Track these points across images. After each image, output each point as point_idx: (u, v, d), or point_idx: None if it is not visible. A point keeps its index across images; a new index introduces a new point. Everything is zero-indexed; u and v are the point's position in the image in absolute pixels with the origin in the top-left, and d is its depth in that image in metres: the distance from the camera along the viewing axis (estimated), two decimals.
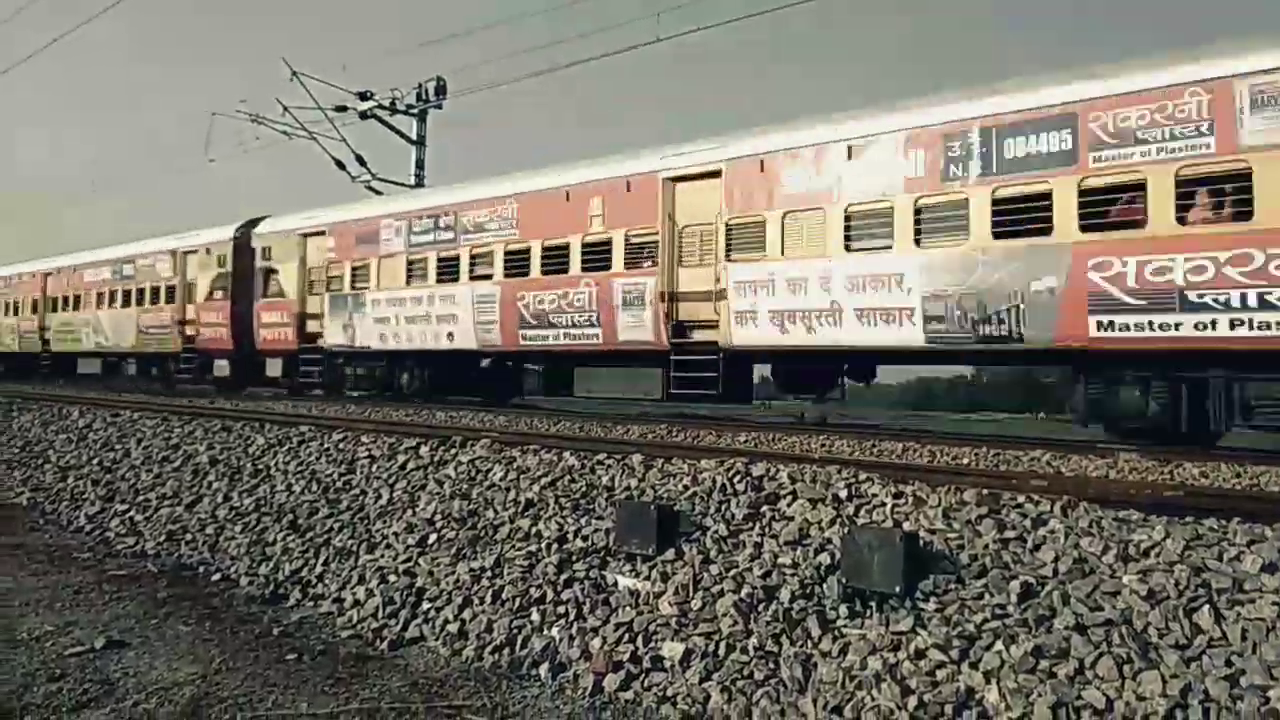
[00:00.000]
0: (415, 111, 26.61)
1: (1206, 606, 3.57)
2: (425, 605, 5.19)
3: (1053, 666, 3.48)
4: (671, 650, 4.28)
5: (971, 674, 3.57)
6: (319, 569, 6.02)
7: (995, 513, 4.58)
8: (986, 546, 4.28)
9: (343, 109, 25.84)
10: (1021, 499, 4.76)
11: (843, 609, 4.21)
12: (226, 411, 12.65)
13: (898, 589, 4.10)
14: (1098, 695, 3.31)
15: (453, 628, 4.90)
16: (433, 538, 5.90)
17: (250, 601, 5.75)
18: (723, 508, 5.31)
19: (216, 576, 6.29)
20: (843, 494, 5.15)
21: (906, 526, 4.59)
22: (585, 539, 5.37)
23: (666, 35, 18.90)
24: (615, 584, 4.93)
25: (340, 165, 25.42)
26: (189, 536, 7.17)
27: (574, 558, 5.21)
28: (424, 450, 7.48)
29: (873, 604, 4.16)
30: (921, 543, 4.37)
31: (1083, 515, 4.41)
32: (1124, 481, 7.29)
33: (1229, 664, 3.32)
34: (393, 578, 5.54)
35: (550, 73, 22.96)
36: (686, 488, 5.70)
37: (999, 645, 3.64)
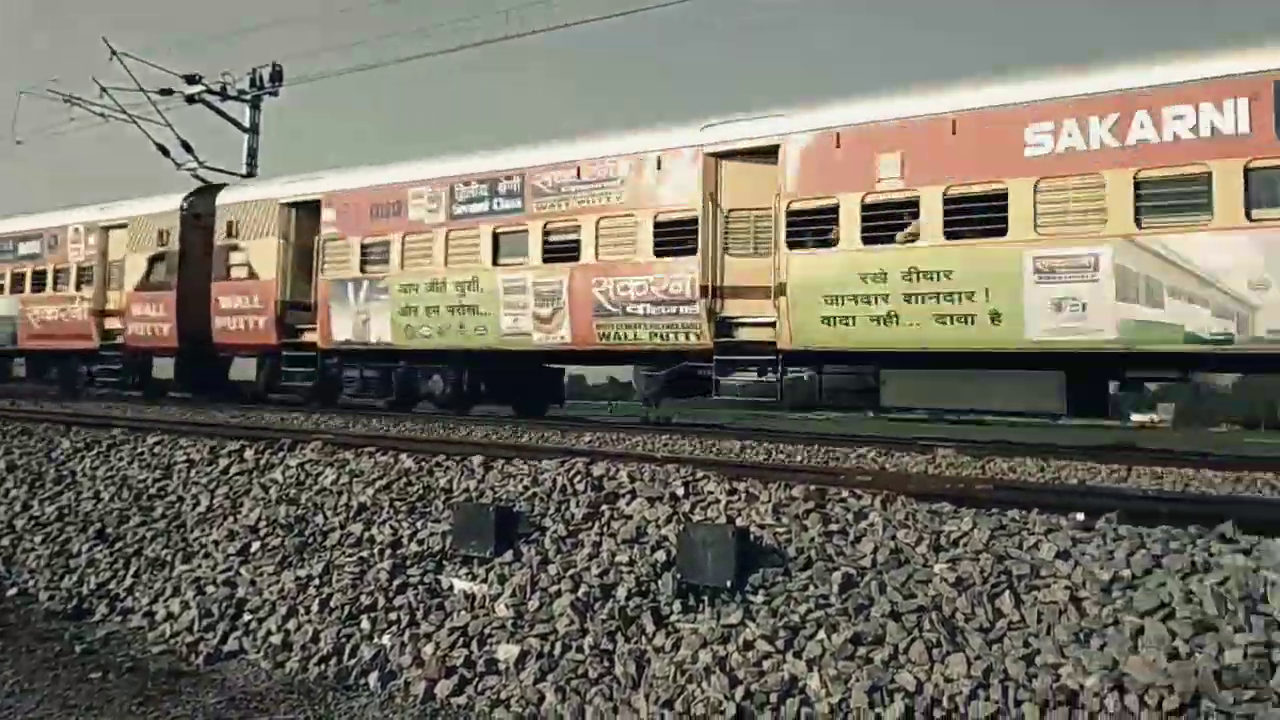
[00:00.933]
0: (249, 98, 25.33)
1: (1008, 592, 3.83)
2: (246, 617, 4.93)
3: (869, 652, 3.65)
4: (507, 653, 4.23)
5: (795, 663, 3.70)
6: (129, 581, 5.63)
7: (821, 507, 4.76)
8: (812, 540, 4.45)
9: (168, 92, 24.31)
10: (845, 494, 4.98)
11: (677, 605, 4.28)
12: (29, 413, 11.66)
13: (729, 583, 4.21)
14: (909, 678, 3.49)
15: (276, 639, 4.68)
16: (256, 545, 5.62)
17: (50, 617, 5.33)
18: (562, 508, 5.30)
19: (13, 591, 5.80)
20: (680, 492, 5.25)
21: (739, 522, 4.72)
22: (421, 543, 5.25)
23: (515, 33, 18.69)
24: (451, 588, 4.84)
25: (164, 152, 23.90)
26: None
27: (408, 563, 5.08)
28: (249, 454, 7.12)
29: (705, 598, 4.25)
30: (752, 538, 4.50)
31: (900, 508, 4.65)
32: (941, 476, 7.76)
33: (1026, 645, 3.57)
34: (211, 588, 5.24)
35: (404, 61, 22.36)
36: (527, 488, 5.66)
37: (821, 634, 3.79)
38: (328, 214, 16.72)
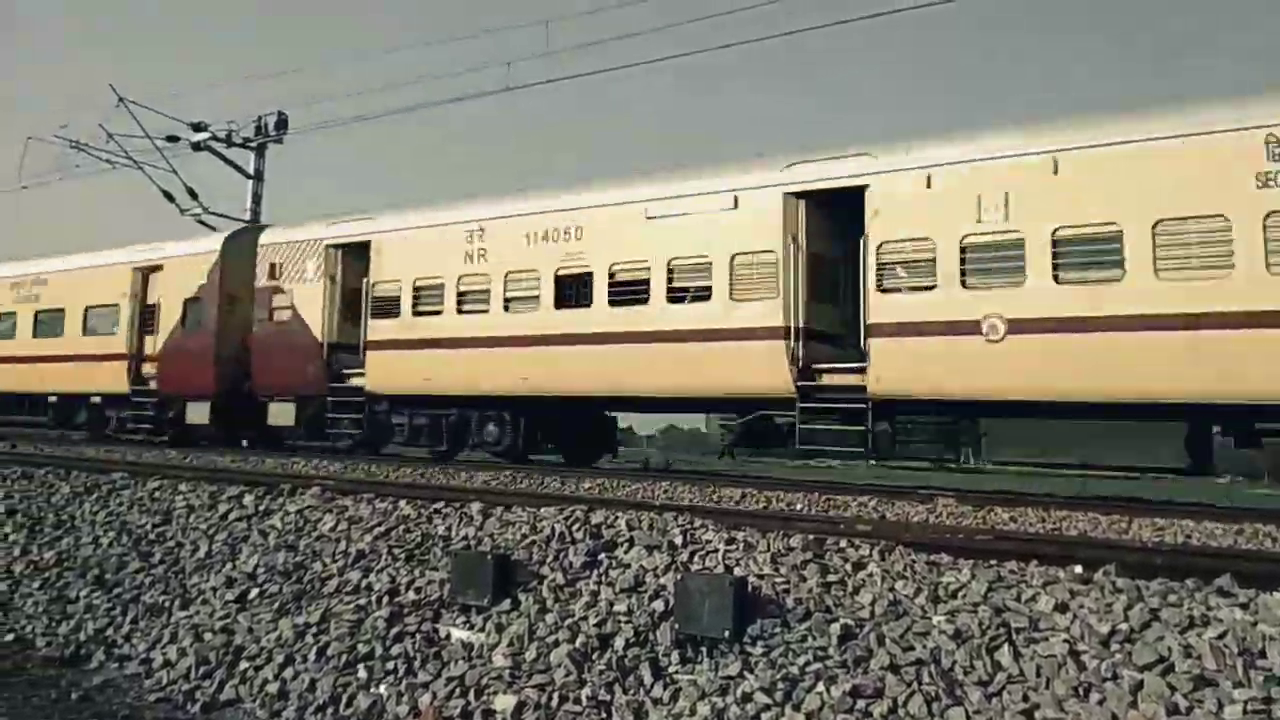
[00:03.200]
0: (253, 145, 25.65)
1: (1006, 645, 3.82)
2: (243, 664, 4.91)
3: (869, 705, 3.64)
4: (503, 703, 4.21)
5: (794, 716, 3.68)
6: (126, 628, 5.62)
7: (819, 557, 4.77)
8: (810, 590, 4.44)
9: (174, 139, 24.62)
10: (844, 544, 4.98)
11: (675, 655, 4.27)
12: (28, 457, 11.67)
13: (727, 633, 4.20)
14: None
15: (272, 688, 4.66)
16: (254, 592, 5.61)
17: (47, 664, 5.30)
18: (561, 556, 5.30)
19: (9, 637, 5.77)
20: (678, 540, 5.24)
21: (737, 572, 4.71)
22: (418, 591, 5.24)
23: (516, 85, 18.97)
24: (448, 637, 4.82)
25: (169, 197, 24.14)
26: None
27: (406, 611, 5.07)
28: (248, 499, 7.13)
29: (704, 649, 4.24)
30: (750, 588, 4.49)
31: (899, 559, 4.65)
32: (941, 526, 7.74)
33: (1025, 699, 3.56)
34: (208, 635, 5.22)
35: (410, 111, 22.74)
36: (525, 536, 5.66)
37: (820, 687, 3.78)
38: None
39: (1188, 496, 14.90)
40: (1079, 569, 4.39)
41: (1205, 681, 3.41)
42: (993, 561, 4.57)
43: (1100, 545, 6.23)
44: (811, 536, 5.12)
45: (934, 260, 11.00)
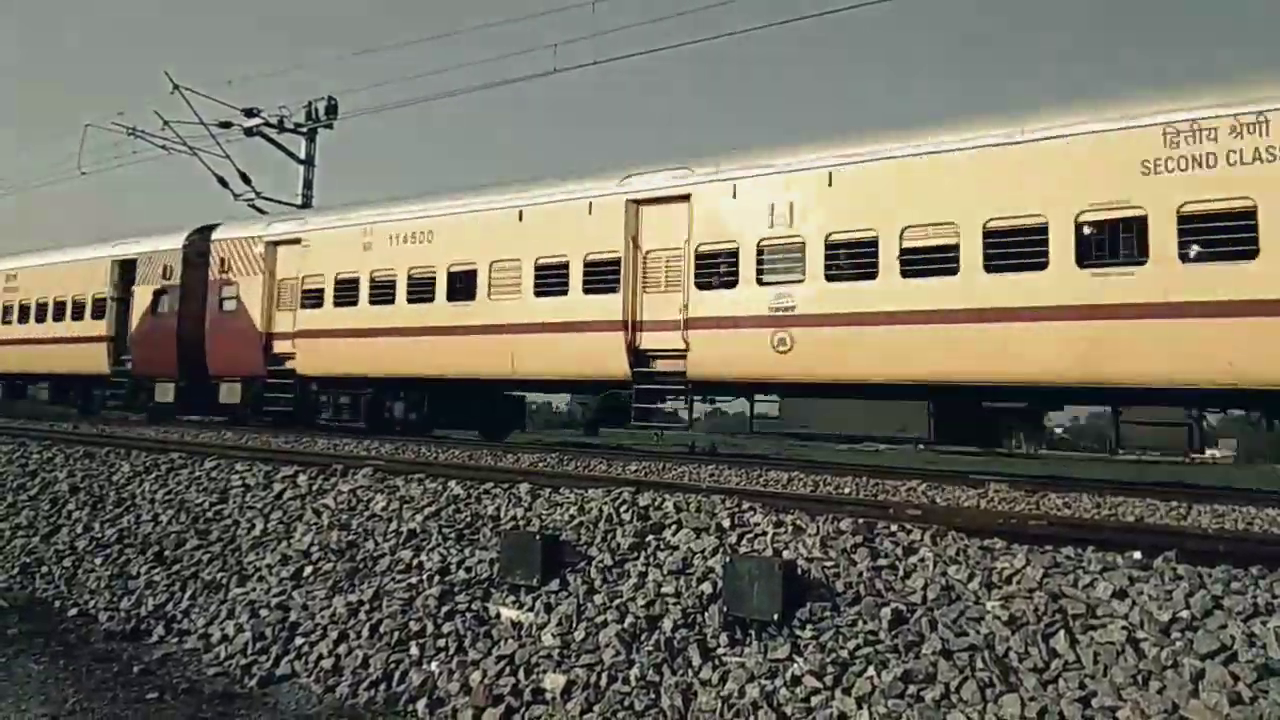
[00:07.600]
0: (304, 131, 25.99)
1: (1062, 631, 3.76)
2: (298, 640, 5.00)
3: (920, 691, 3.60)
4: (553, 682, 4.24)
5: (844, 700, 3.66)
6: (185, 603, 5.75)
7: (870, 541, 4.72)
8: (861, 574, 4.40)
9: (227, 125, 25.04)
10: (895, 528, 4.92)
11: (723, 637, 4.26)
12: (90, 437, 11.99)
13: (776, 617, 4.18)
14: (961, 718, 3.44)
15: (327, 663, 4.74)
16: (308, 570, 5.70)
17: (109, 638, 5.44)
18: (609, 537, 5.31)
19: (73, 612, 5.93)
20: (726, 523, 5.23)
21: (786, 555, 4.69)
22: (469, 570, 5.29)
23: (564, 66, 19.00)
24: (498, 616, 4.87)
25: (223, 182, 24.60)
26: (44, 569, 6.74)
27: (456, 589, 5.12)
28: (302, 479, 7.25)
29: (752, 632, 4.22)
30: (800, 571, 4.47)
31: (951, 544, 4.59)
32: (992, 511, 7.63)
33: (1082, 686, 3.49)
34: (264, 612, 5.33)
35: (454, 95, 22.90)
36: (573, 517, 5.68)
37: (871, 671, 3.75)
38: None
39: (1244, 483, 14.53)
40: (1138, 555, 4.30)
41: (1270, 671, 3.32)
42: (1048, 547, 4.49)
43: (1159, 531, 6.11)
44: (861, 520, 5.08)
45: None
